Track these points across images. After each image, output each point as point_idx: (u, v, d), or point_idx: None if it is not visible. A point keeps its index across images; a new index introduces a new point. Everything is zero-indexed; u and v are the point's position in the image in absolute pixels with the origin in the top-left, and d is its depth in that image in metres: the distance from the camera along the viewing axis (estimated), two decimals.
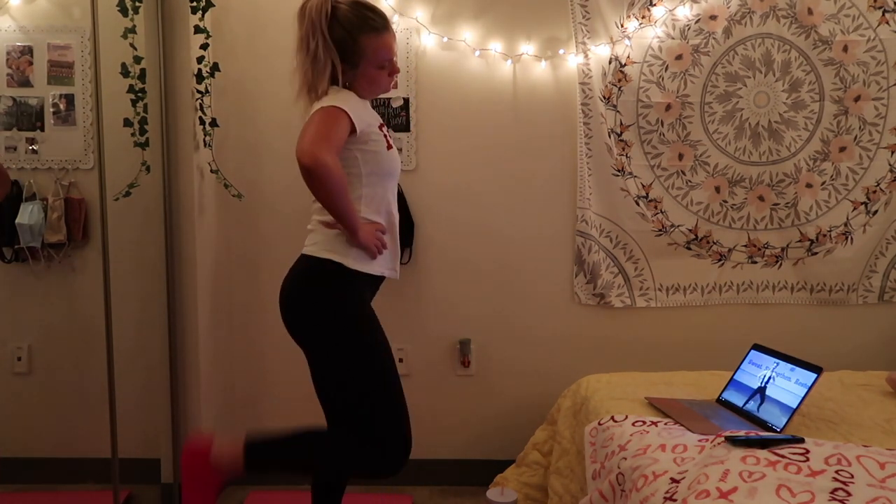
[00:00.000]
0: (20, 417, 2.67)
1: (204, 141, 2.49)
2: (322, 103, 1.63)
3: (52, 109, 2.57)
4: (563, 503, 2.05)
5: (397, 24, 2.56)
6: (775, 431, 1.71)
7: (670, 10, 2.55)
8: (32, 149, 2.58)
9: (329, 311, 1.67)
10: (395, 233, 1.80)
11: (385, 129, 1.78)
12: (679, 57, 2.58)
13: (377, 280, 1.78)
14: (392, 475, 1.71)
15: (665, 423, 1.78)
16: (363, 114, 1.69)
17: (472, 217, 2.65)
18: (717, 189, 2.65)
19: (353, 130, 1.63)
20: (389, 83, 1.79)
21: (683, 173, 2.64)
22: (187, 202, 2.44)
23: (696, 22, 2.56)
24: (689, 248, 2.68)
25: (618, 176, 2.62)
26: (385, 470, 1.72)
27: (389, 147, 1.75)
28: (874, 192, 2.64)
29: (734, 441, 1.53)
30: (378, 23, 1.70)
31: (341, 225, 1.64)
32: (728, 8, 2.55)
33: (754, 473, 1.39)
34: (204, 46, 2.38)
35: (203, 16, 2.35)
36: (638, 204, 2.64)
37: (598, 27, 2.56)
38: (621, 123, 2.61)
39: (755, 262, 2.69)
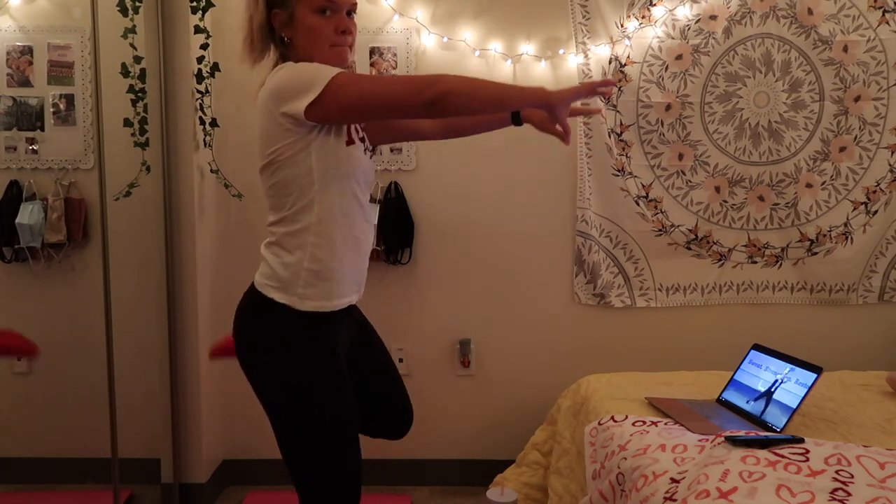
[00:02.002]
0: (20, 417, 2.67)
1: (204, 141, 2.49)
2: (285, 78, 1.36)
3: (52, 109, 2.57)
4: (563, 503, 2.05)
5: (397, 24, 2.56)
6: (775, 431, 1.71)
7: (670, 10, 2.55)
8: (32, 149, 2.57)
9: (269, 359, 1.43)
10: (358, 250, 1.50)
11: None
12: (679, 57, 2.58)
13: (343, 310, 1.49)
14: None
15: (665, 423, 1.78)
16: None
17: (472, 217, 2.65)
18: (717, 189, 2.65)
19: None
20: (341, 45, 1.43)
21: (683, 173, 2.64)
22: (187, 202, 2.44)
23: (696, 22, 2.56)
24: (689, 248, 2.68)
25: (618, 176, 2.62)
26: None
27: (350, 141, 1.43)
28: (874, 192, 2.64)
29: (734, 441, 1.53)
30: None
31: (515, 104, 1.43)
32: (728, 8, 2.55)
33: (754, 473, 1.39)
34: (204, 46, 2.38)
35: (203, 16, 2.35)
36: (638, 204, 2.64)
37: (598, 27, 2.56)
38: (621, 123, 2.61)
39: (755, 262, 2.69)
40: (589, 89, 1.41)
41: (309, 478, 1.45)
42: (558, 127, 1.43)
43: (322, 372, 1.43)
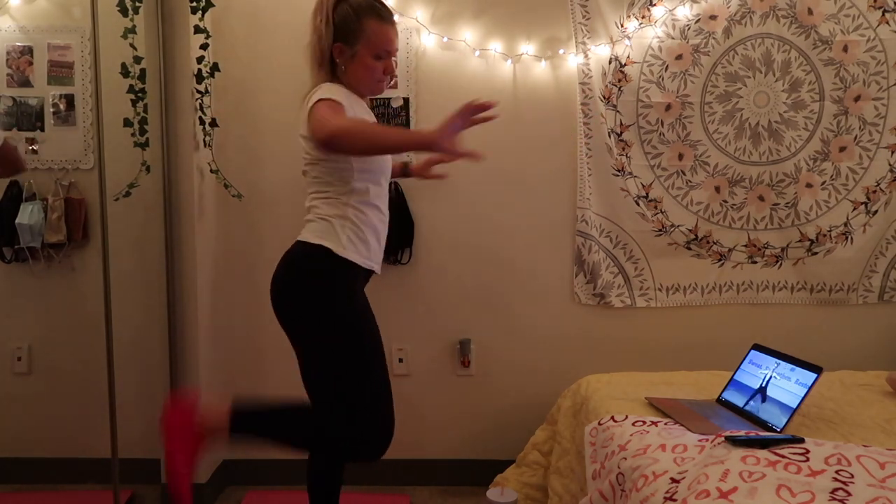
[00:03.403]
0: (20, 417, 2.67)
1: (204, 141, 2.49)
2: (315, 96, 1.64)
3: (52, 109, 2.57)
4: (563, 503, 2.05)
5: (397, 23, 2.55)
6: (775, 431, 1.71)
7: (670, 10, 2.55)
8: (32, 149, 2.57)
9: (315, 296, 1.67)
10: (381, 232, 1.78)
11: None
12: (679, 57, 2.58)
13: (367, 272, 1.77)
14: (372, 461, 1.75)
15: (665, 423, 1.78)
16: (357, 108, 1.72)
17: (472, 217, 2.65)
18: (717, 189, 2.65)
19: None
20: (383, 82, 1.79)
21: (683, 173, 2.64)
22: (187, 202, 2.44)
23: (696, 22, 2.56)
24: (689, 248, 2.68)
25: (618, 176, 2.62)
26: (365, 455, 1.75)
27: None
28: (874, 192, 2.64)
29: (734, 441, 1.53)
30: (384, 12, 1.75)
31: (406, 150, 1.78)
32: (728, 8, 2.55)
33: (754, 473, 1.39)
34: (204, 46, 2.38)
35: (203, 16, 2.35)
36: (638, 204, 2.64)
37: (598, 27, 2.56)
38: (621, 123, 2.61)
39: (755, 262, 2.69)
40: (465, 112, 1.47)
41: (350, 397, 1.67)
42: (436, 169, 1.96)
43: (356, 305, 1.71)
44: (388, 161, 1.79)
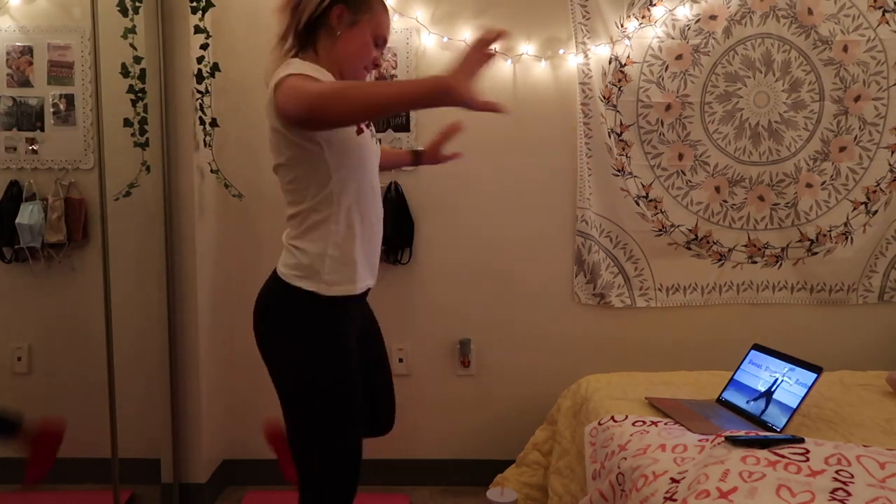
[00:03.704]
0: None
1: (204, 141, 2.49)
2: (282, 72, 1.36)
3: (52, 109, 2.57)
4: (563, 503, 2.05)
5: (397, 23, 2.56)
6: (775, 431, 1.71)
7: (670, 10, 2.55)
8: (32, 149, 2.57)
9: (298, 341, 1.47)
10: (374, 240, 1.56)
11: None
12: (679, 57, 2.58)
13: (362, 293, 1.56)
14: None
15: (665, 423, 1.78)
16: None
17: (472, 217, 2.65)
18: (717, 189, 2.65)
19: None
20: (369, 70, 1.54)
21: (683, 173, 2.64)
22: (187, 202, 2.44)
23: (696, 22, 2.56)
24: (689, 248, 2.68)
25: (618, 176, 2.62)
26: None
27: (360, 130, 1.47)
28: (874, 192, 2.64)
29: (734, 441, 1.53)
30: None
31: (408, 107, 1.43)
32: (728, 8, 2.55)
33: (754, 473, 1.39)
34: (204, 46, 2.38)
35: (203, 16, 2.35)
36: (638, 204, 2.64)
37: (598, 27, 2.56)
38: (621, 123, 2.61)
39: (755, 262, 2.69)
40: (481, 45, 1.19)
41: (314, 459, 1.49)
42: (448, 149, 1.60)
43: (339, 359, 1.49)
44: (370, 149, 1.53)
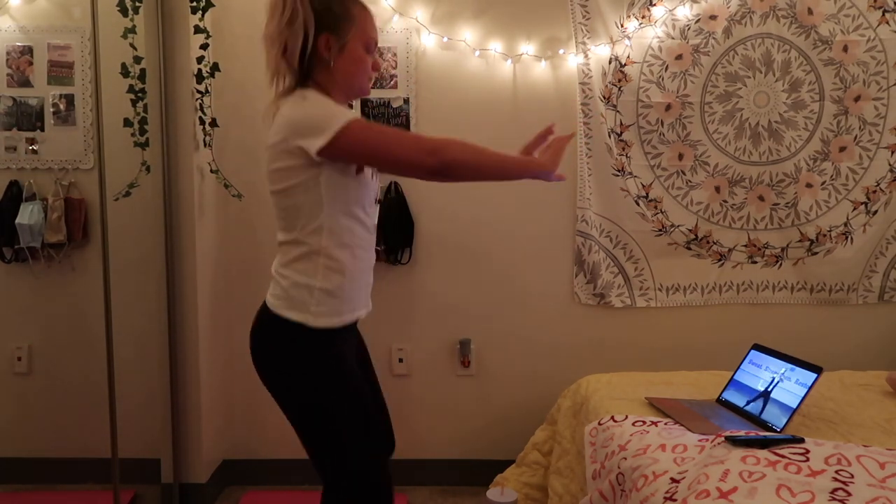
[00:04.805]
0: (20, 417, 2.67)
1: (204, 141, 2.49)
2: (319, 116, 1.37)
3: (52, 109, 2.57)
4: (563, 503, 2.05)
5: (397, 23, 2.56)
6: (775, 431, 1.71)
7: (670, 10, 2.55)
8: (32, 149, 2.58)
9: (295, 372, 1.46)
10: (364, 270, 1.54)
11: None
12: (679, 57, 2.58)
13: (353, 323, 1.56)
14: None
15: (665, 423, 1.78)
16: None
17: (472, 217, 2.65)
18: (717, 189, 2.65)
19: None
20: (371, 79, 1.55)
21: (683, 173, 2.64)
22: (187, 202, 2.44)
23: (696, 22, 2.56)
24: (689, 248, 2.68)
25: (618, 176, 2.62)
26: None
27: (360, 170, 1.45)
28: (874, 192, 2.64)
29: (734, 441, 1.53)
30: None
31: (516, 178, 1.59)
32: (728, 8, 2.55)
33: (754, 473, 1.39)
34: (204, 46, 2.38)
35: (203, 16, 2.35)
36: (638, 204, 2.64)
37: (598, 27, 2.56)
38: (621, 123, 2.61)
39: (755, 262, 2.69)
40: (563, 141, 1.58)
41: (345, 480, 1.49)
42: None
43: (340, 383, 1.48)
44: (368, 187, 1.50)
